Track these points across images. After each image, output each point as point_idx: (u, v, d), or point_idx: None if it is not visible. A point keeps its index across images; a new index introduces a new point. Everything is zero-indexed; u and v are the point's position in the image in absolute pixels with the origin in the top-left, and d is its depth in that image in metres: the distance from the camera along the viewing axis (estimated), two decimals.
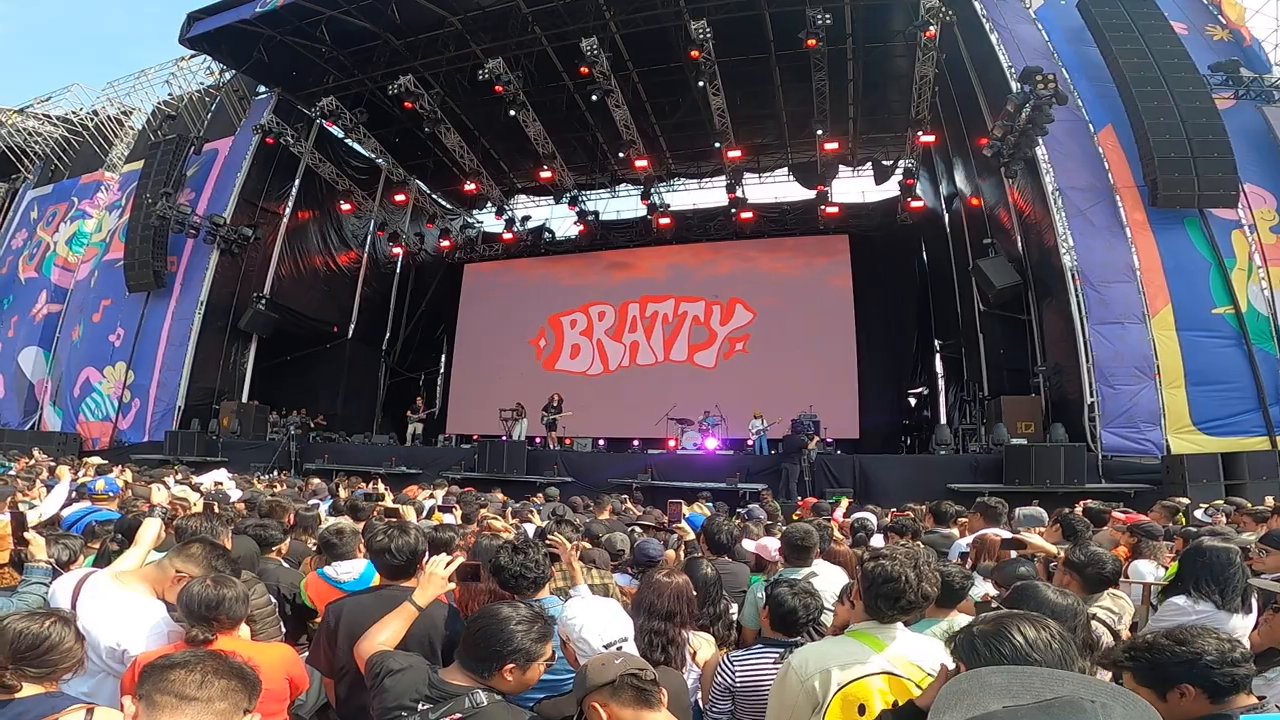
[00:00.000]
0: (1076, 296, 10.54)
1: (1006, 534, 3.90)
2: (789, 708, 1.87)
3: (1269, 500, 5.42)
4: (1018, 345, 12.77)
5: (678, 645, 2.51)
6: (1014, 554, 3.54)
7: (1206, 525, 5.05)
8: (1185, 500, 6.40)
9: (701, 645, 2.63)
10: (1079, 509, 5.21)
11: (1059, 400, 11.28)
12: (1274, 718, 0.84)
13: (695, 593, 2.78)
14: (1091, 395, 10.25)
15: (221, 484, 5.64)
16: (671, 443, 14.64)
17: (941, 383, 17.60)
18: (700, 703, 2.56)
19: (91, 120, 20.37)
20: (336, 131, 18.46)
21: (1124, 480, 9.73)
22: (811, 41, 12.96)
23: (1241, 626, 2.67)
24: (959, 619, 1.92)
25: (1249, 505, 5.87)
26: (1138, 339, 10.17)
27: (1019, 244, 12.59)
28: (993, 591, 3.09)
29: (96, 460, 10.36)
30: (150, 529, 2.72)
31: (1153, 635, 1.68)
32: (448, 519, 5.12)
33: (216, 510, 3.83)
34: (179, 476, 7.28)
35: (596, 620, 2.01)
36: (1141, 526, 4.23)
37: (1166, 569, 3.65)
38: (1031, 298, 12.35)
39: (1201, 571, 2.74)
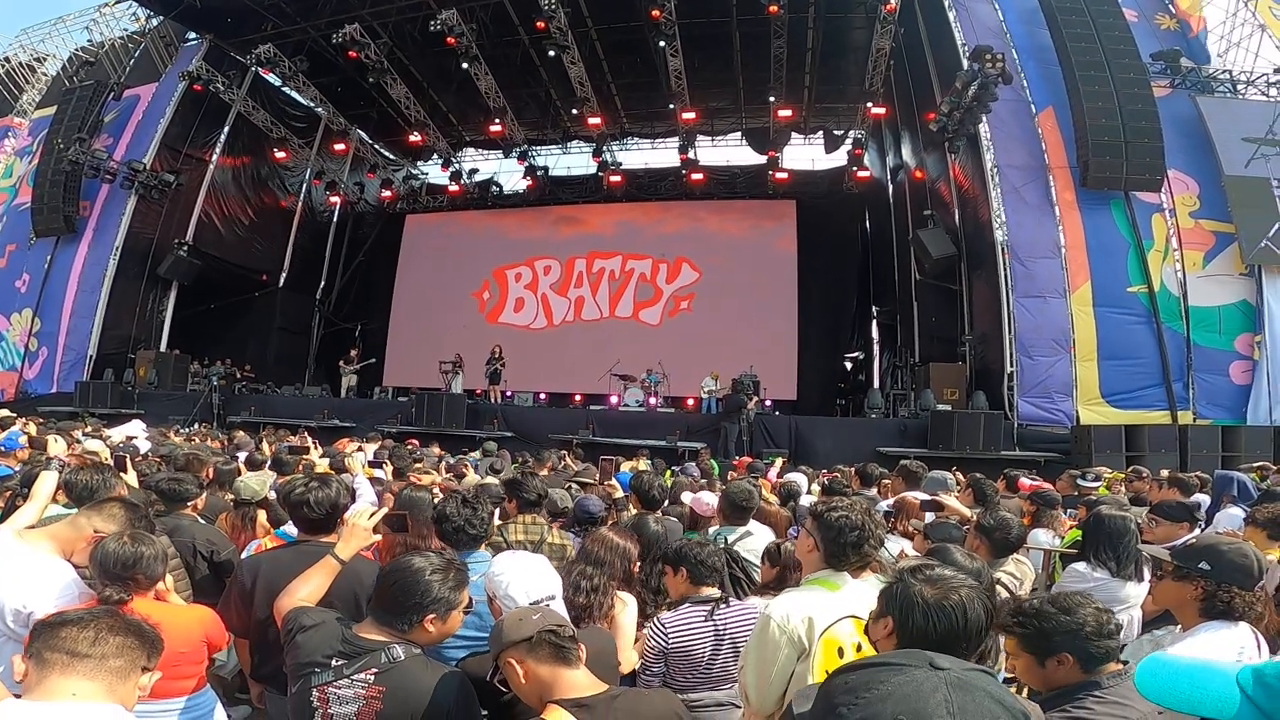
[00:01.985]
0: (1004, 270, 10.95)
1: (925, 496, 4.08)
2: (772, 659, 1.87)
3: (1163, 472, 5.83)
4: (949, 314, 13.23)
5: (599, 593, 2.47)
6: (930, 516, 3.72)
7: (1089, 490, 5.39)
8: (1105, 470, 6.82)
9: (622, 605, 2.60)
10: (1001, 480, 5.47)
11: (982, 369, 11.79)
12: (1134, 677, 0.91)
13: (637, 550, 2.78)
14: (1011, 365, 10.75)
15: (134, 437, 5.36)
16: (614, 399, 14.69)
17: (877, 348, 18.20)
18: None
19: (2, 67, 19.04)
20: (273, 79, 17.46)
21: (1036, 448, 10.28)
22: (774, 8, 12.88)
23: (1135, 593, 2.87)
24: (872, 578, 1.99)
25: (1146, 471, 6.33)
26: (1057, 313, 10.68)
27: (956, 217, 12.95)
28: (910, 551, 3.24)
29: (3, 413, 9.69)
30: (46, 483, 2.57)
31: (1039, 601, 1.76)
32: (378, 474, 5.01)
33: (127, 463, 3.63)
34: (89, 429, 6.88)
35: (523, 577, 1.99)
36: (1041, 495, 4.47)
37: (1063, 537, 3.90)
38: (964, 269, 12.76)
39: (1100, 540, 2.93)
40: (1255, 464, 7.07)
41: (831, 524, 1.99)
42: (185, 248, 16.24)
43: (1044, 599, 1.77)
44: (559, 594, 2.07)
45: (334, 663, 1.74)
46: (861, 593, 1.93)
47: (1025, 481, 4.85)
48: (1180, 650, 1.70)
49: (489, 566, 2.14)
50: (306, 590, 2.06)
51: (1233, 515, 4.23)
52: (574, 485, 5.07)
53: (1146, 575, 2.89)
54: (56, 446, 3.20)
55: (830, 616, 1.87)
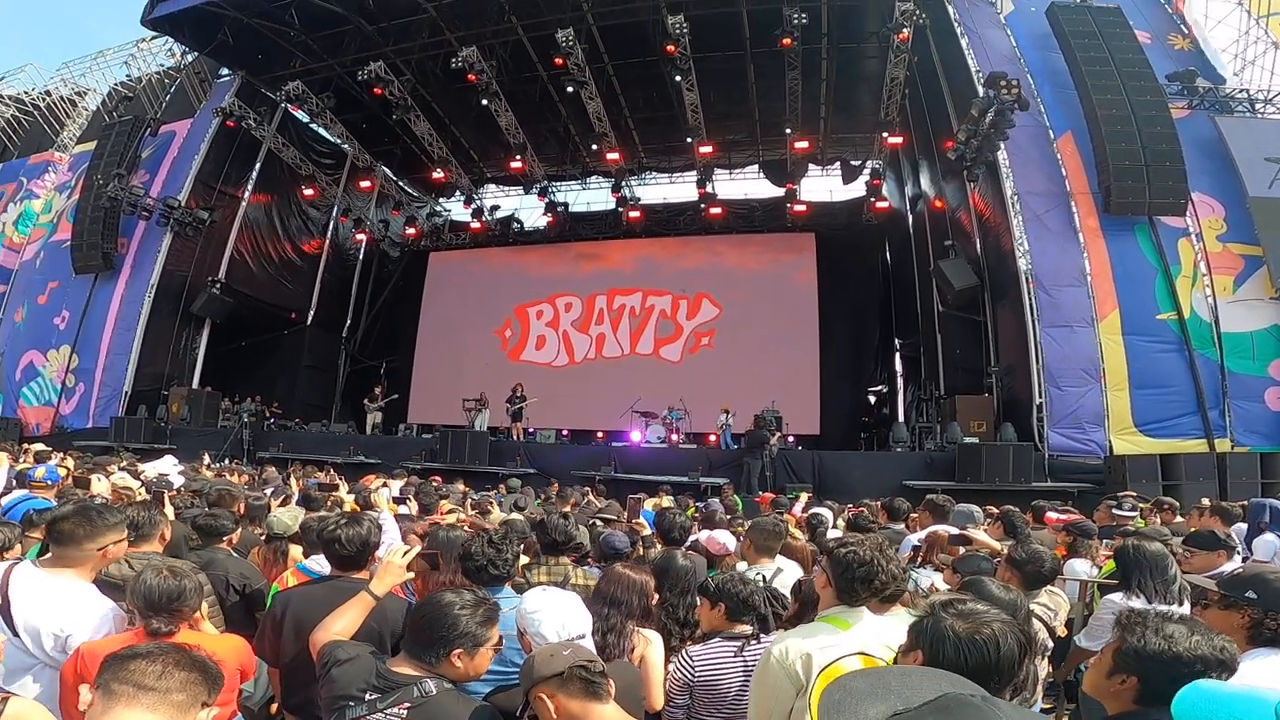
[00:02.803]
0: (1029, 299, 10.84)
1: (955, 530, 4.02)
2: (772, 694, 1.91)
3: (1204, 501, 5.69)
4: (973, 345, 13.10)
5: (618, 635, 2.47)
6: (963, 550, 3.65)
7: (1126, 519, 5.27)
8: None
9: (647, 643, 2.59)
10: (1029, 513, 5.39)
11: (1010, 400, 11.61)
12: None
13: (655, 589, 2.78)
14: (1040, 396, 10.58)
15: (166, 474, 5.47)
16: (635, 435, 14.67)
17: (900, 381, 17.99)
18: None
19: (44, 100, 19.79)
20: (301, 116, 18.05)
21: (1068, 479, 10.06)
22: (787, 40, 13.07)
23: None
24: (901, 612, 1.98)
25: (1171, 501, 6.19)
26: (1085, 342, 10.52)
27: (978, 246, 12.90)
28: (940, 584, 3.19)
29: (38, 447, 9.95)
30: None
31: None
32: (403, 510, 5.05)
33: (165, 498, 3.72)
34: (124, 464, 7.04)
35: (555, 614, 2.01)
36: (1077, 525, 4.39)
37: (1100, 567, 3.81)
38: (988, 299, 12.66)
39: (1136, 569, 2.87)
40: None
41: (840, 560, 2.02)
42: (218, 285, 16.61)
43: None
44: (589, 632, 2.08)
45: (368, 696, 1.76)
46: (881, 628, 1.94)
47: (1052, 516, 4.75)
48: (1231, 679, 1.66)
49: (521, 603, 2.16)
50: (341, 625, 2.10)
51: (1269, 541, 4.12)
52: (597, 522, 5.07)
53: (1186, 605, 2.82)
54: (100, 485, 3.29)
55: (833, 654, 1.87)
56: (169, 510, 3.58)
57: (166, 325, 16.15)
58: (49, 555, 2.30)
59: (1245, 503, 5.63)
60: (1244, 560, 4.11)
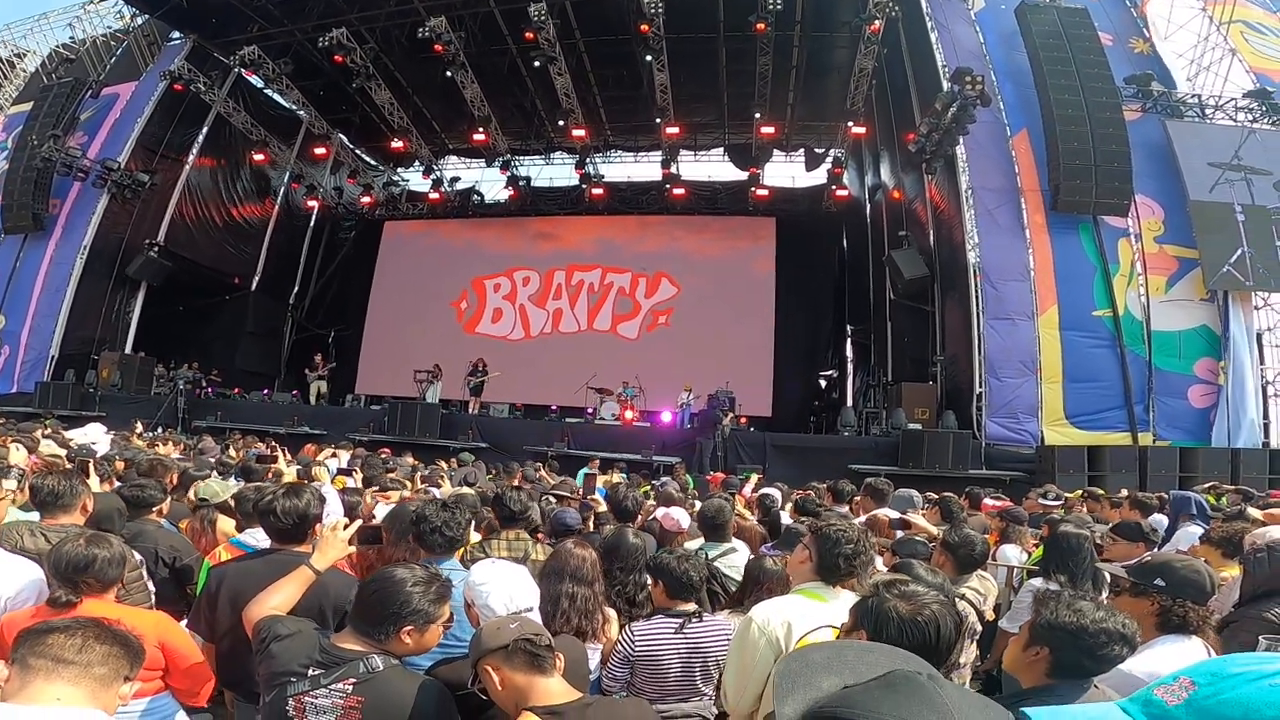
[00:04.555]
0: (976, 292, 11.16)
1: (895, 514, 4.16)
2: (752, 660, 1.95)
3: (1124, 492, 6.01)
4: (921, 335, 13.43)
5: (590, 615, 2.48)
6: (900, 533, 3.78)
7: (1051, 508, 5.54)
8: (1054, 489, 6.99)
9: (609, 621, 2.63)
10: (965, 498, 5.61)
11: (953, 389, 11.98)
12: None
13: (616, 562, 2.82)
14: (980, 386, 10.94)
15: (93, 442, 5.21)
16: (589, 411, 14.68)
17: (851, 366, 18.43)
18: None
19: None
20: (256, 81, 17.32)
21: (1003, 467, 10.46)
22: (760, 25, 13.01)
23: None
24: (844, 593, 2.05)
25: (1099, 491, 6.52)
26: (1025, 335, 10.90)
27: (931, 238, 13.18)
28: (881, 566, 3.30)
29: None
30: None
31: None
32: (350, 484, 4.94)
33: (90, 467, 3.55)
34: (48, 430, 6.69)
35: (503, 587, 2.00)
36: (1009, 512, 4.59)
37: (1030, 554, 3.99)
38: (937, 290, 12.96)
39: (1057, 557, 3.02)
40: (1207, 484, 7.30)
41: (829, 536, 2.08)
42: (156, 248, 15.96)
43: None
44: (536, 605, 2.08)
45: (310, 672, 1.72)
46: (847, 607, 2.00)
47: (989, 502, 4.97)
48: (1138, 663, 1.76)
49: (470, 574, 2.14)
50: (278, 599, 2.04)
51: (1190, 533, 4.38)
52: (550, 498, 5.06)
53: (1105, 593, 2.97)
54: (17, 455, 3.12)
55: (811, 623, 1.93)
56: (94, 480, 3.42)
57: (99, 288, 15.46)
58: None
59: (1161, 494, 5.95)
60: (1161, 551, 4.36)
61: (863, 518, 4.49)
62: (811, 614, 1.96)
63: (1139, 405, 10.64)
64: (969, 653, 2.85)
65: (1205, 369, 10.83)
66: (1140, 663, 1.79)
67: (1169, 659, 1.89)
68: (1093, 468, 10.08)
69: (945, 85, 11.30)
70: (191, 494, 3.76)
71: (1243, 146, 11.11)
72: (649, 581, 2.76)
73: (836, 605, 2.00)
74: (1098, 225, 11.16)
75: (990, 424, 10.83)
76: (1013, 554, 4.15)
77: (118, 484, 3.72)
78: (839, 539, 2.06)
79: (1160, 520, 5.16)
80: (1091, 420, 10.70)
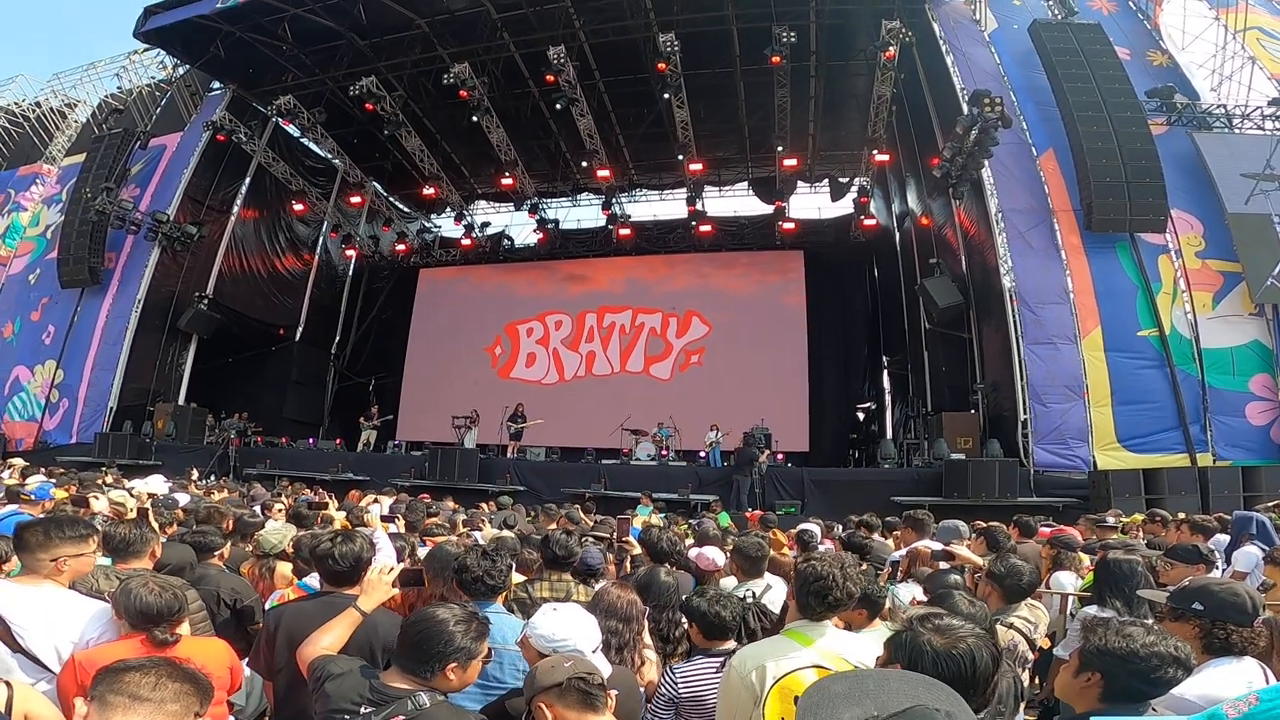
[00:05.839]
0: (1013, 316, 10.98)
1: (937, 546, 4.07)
2: (733, 705, 1.98)
3: (1180, 515, 5.79)
4: (959, 363, 13.21)
5: (631, 650, 2.53)
6: (943, 565, 3.71)
7: (1110, 531, 5.35)
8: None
9: (652, 664, 2.65)
10: (1013, 527, 5.46)
11: (995, 417, 11.71)
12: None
13: (649, 600, 2.85)
14: (1025, 412, 10.69)
15: (163, 492, 5.43)
16: (625, 452, 14.68)
17: (889, 398, 18.11)
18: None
19: (33, 111, 19.59)
20: (292, 130, 18.06)
21: (1053, 494, 10.16)
22: (776, 58, 13.21)
23: None
24: (881, 627, 2.05)
25: (1164, 513, 6.27)
26: (1069, 359, 10.65)
27: (963, 264, 13.05)
28: (920, 596, 3.25)
29: (20, 462, 9.85)
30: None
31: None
32: (392, 529, 5.05)
33: (152, 516, 3.72)
34: (110, 479, 6.98)
35: (573, 631, 2.05)
36: (1061, 539, 4.47)
37: (1083, 579, 3.88)
38: (973, 316, 12.79)
39: (1108, 583, 2.95)
40: (1272, 503, 6.98)
41: (800, 574, 2.12)
42: (205, 301, 16.52)
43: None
44: (599, 646, 2.13)
45: (362, 710, 1.79)
46: (843, 643, 2.04)
47: (1044, 529, 4.84)
48: (1191, 686, 1.73)
49: (534, 625, 2.17)
50: (328, 639, 2.14)
51: (1249, 553, 4.21)
52: (589, 540, 5.08)
53: (1151, 618, 2.89)
54: (99, 504, 3.30)
55: (788, 665, 1.95)
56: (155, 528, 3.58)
57: (153, 340, 16.02)
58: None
59: (1221, 515, 5.72)
60: (1223, 573, 4.19)
61: (903, 550, 4.42)
62: (793, 655, 1.98)
63: (1195, 425, 10.27)
64: (1022, 681, 2.78)
65: (1261, 385, 10.42)
66: (1193, 685, 1.76)
67: (1222, 681, 1.87)
68: (1150, 490, 9.72)
69: (965, 108, 11.28)
70: (252, 544, 3.90)
71: (1274, 155, 10.84)
72: (684, 620, 2.77)
73: (822, 644, 2.02)
74: (1135, 243, 10.94)
75: (1039, 450, 10.55)
76: (1067, 580, 4.04)
77: (179, 529, 3.87)
78: (808, 577, 2.08)
79: (1221, 541, 4.97)
80: (1144, 443, 10.35)
